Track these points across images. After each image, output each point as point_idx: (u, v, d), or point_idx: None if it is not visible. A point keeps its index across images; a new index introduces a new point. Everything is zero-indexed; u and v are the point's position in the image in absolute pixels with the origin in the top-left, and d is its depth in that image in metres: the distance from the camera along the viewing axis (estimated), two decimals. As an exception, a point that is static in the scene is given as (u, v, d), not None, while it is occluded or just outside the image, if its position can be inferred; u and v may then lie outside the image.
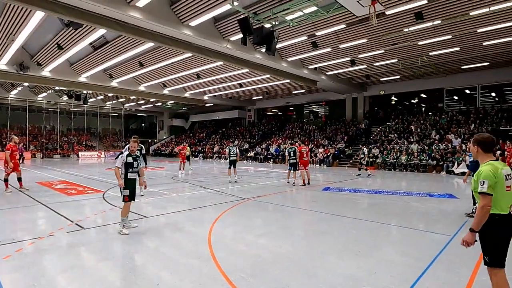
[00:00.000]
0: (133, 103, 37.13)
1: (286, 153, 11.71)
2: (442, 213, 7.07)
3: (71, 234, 5.22)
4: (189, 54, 16.55)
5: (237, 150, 12.55)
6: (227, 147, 12.91)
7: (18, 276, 3.58)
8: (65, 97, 28.53)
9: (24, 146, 28.90)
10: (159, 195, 9.10)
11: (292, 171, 11.51)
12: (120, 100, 35.27)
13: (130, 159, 5.29)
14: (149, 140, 46.26)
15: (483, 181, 2.53)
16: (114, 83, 23.39)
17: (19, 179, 9.80)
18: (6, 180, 9.43)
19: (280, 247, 4.64)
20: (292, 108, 34.20)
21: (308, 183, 11.37)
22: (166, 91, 27.15)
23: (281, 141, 28.18)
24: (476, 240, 2.63)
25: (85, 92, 26.02)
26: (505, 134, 16.18)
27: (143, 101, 35.41)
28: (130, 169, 5.31)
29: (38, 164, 23.50)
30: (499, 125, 18.08)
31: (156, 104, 37.50)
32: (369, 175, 14.92)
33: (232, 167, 12.27)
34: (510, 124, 17.73)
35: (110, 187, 10.72)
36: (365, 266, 3.88)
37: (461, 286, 3.33)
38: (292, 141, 13.40)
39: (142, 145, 8.90)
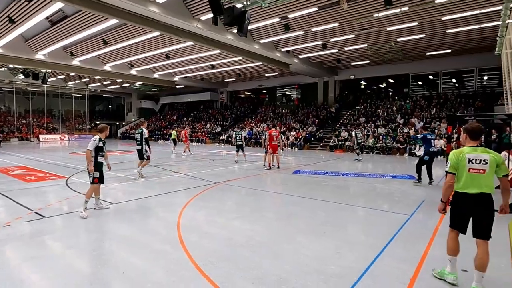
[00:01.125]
0: (98, 84, 35.10)
1: (263, 137, 12.59)
2: (403, 194, 7.52)
3: (30, 223, 4.96)
4: (157, 33, 15.81)
5: (242, 136, 13.83)
6: (233, 133, 13.87)
7: (-29, 270, 3.36)
8: (21, 76, 26.32)
9: None
10: (127, 180, 8.85)
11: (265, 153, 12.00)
12: (83, 80, 33.18)
13: (101, 144, 5.59)
14: (117, 123, 44.37)
15: (448, 162, 3.11)
16: (76, 62, 21.93)
17: None
18: None
19: (251, 230, 4.72)
20: (265, 91, 34.12)
21: (278, 167, 11.56)
22: (133, 72, 25.93)
23: (253, 124, 28.18)
24: (444, 209, 3.21)
25: (43, 70, 24.15)
26: (461, 119, 17.21)
27: (109, 82, 33.58)
28: (100, 153, 5.60)
29: (-7, 148, 21.80)
30: (457, 110, 19.26)
31: (124, 85, 35.78)
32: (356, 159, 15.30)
33: (240, 150, 13.58)
34: (467, 109, 18.93)
35: (75, 173, 10.25)
36: (330, 246, 4.07)
37: (416, 261, 3.60)
38: (266, 125, 14.17)
39: (143, 129, 9.03)
